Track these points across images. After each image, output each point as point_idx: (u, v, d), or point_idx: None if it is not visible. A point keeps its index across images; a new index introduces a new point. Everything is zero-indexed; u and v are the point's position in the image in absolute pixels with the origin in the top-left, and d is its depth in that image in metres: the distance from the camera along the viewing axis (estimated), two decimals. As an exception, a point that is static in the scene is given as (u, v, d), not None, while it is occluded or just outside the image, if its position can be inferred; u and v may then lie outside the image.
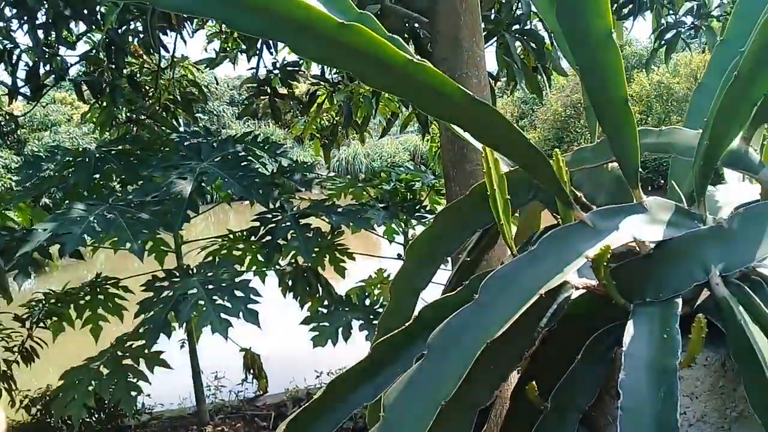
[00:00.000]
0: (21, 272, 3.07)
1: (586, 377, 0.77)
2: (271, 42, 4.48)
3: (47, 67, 4.09)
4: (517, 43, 3.44)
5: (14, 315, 3.56)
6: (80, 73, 4.43)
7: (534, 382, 0.75)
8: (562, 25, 0.71)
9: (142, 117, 4.31)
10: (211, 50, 5.00)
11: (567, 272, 0.71)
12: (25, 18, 3.60)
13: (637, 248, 0.77)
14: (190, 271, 3.27)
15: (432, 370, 0.69)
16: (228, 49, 5.02)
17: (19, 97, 4.11)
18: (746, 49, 0.69)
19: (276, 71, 4.74)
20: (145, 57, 4.75)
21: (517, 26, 3.46)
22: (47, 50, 3.88)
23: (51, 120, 15.21)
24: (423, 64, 0.64)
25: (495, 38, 3.48)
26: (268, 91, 4.69)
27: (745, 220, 0.74)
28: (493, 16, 3.53)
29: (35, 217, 3.85)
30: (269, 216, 3.51)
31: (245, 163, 3.42)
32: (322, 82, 4.59)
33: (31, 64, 3.91)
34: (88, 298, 3.80)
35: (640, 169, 0.77)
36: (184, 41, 4.91)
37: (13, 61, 3.87)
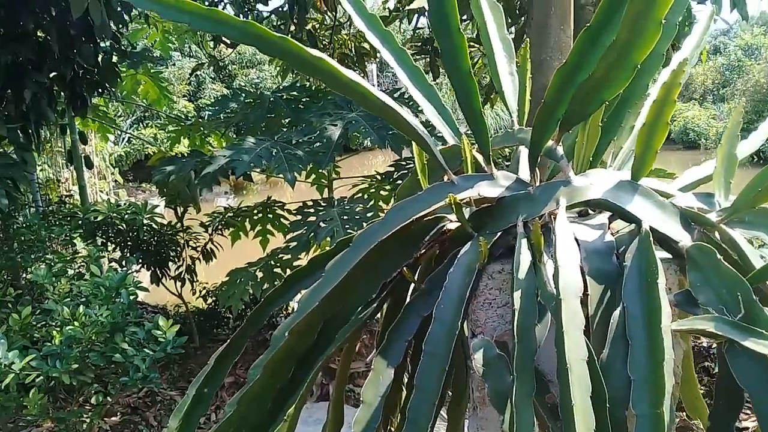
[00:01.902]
0: (205, 186, 3.98)
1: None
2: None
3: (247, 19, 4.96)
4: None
5: (200, 222, 4.53)
6: (272, 26, 5.26)
7: (413, 271, 1.26)
8: (432, 21, 1.19)
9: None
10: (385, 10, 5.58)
11: (433, 207, 1.21)
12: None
13: (488, 201, 1.24)
14: (333, 203, 3.98)
15: (342, 260, 1.23)
16: (401, 8, 5.60)
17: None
18: (549, 83, 1.13)
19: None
20: (329, 13, 5.48)
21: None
22: (245, 4, 4.73)
23: (258, 59, 16.93)
24: (289, 41, 1.15)
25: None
26: (429, 50, 5.22)
27: (543, 189, 1.18)
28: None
29: (228, 143, 4.78)
30: (403, 163, 4.10)
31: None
32: (476, 45, 5.02)
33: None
34: (260, 215, 4.69)
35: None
36: (363, 2, 5.55)
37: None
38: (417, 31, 5.40)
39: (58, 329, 2.97)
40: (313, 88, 4.44)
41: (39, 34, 4.04)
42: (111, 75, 4.30)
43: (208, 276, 4.91)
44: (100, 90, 4.35)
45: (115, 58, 4.30)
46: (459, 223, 1.26)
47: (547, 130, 1.17)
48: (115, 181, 9.02)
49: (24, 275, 3.89)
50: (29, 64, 3.83)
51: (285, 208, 4.71)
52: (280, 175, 3.65)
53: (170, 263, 4.54)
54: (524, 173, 1.33)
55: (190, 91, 13.78)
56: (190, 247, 4.60)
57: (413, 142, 1.31)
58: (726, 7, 3.87)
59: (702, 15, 1.52)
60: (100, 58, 4.20)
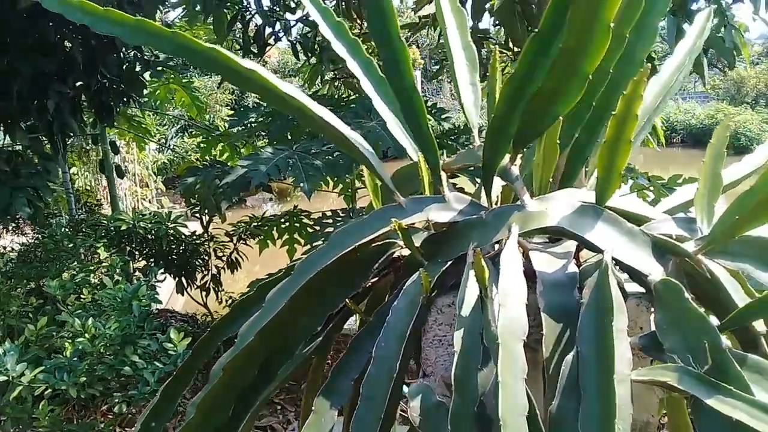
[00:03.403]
0: (225, 198, 3.95)
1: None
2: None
3: (273, 29, 4.93)
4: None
5: (225, 231, 4.52)
6: (299, 35, 5.21)
7: (358, 304, 1.15)
8: (372, 33, 1.08)
9: (345, 76, 4.99)
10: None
11: (378, 232, 1.10)
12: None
13: (440, 226, 1.12)
14: (350, 213, 3.90)
15: (282, 290, 1.13)
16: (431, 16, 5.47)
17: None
18: (497, 98, 1.00)
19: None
20: (358, 21, 5.41)
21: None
22: (271, 14, 4.70)
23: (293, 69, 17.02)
24: (219, 52, 1.06)
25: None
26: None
27: (494, 215, 1.05)
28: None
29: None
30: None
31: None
32: (505, 51, 4.85)
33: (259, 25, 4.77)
34: (287, 224, 4.66)
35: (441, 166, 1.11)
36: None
37: (246, 22, 4.76)
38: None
39: (70, 341, 2.97)
40: (336, 97, 4.37)
41: (65, 44, 4.09)
42: (136, 84, 4.32)
43: (235, 285, 4.89)
44: (125, 99, 4.38)
45: (138, 68, 4.31)
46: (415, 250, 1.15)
47: (499, 148, 1.05)
48: (158, 188, 9.17)
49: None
50: (53, 75, 3.87)
51: (311, 217, 4.67)
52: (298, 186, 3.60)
53: (196, 272, 4.54)
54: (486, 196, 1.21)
55: (233, 100, 13.94)
56: (215, 257, 4.58)
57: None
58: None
59: (698, 17, 1.36)
60: (124, 68, 4.23)
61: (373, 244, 1.15)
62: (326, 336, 1.20)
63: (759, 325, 0.99)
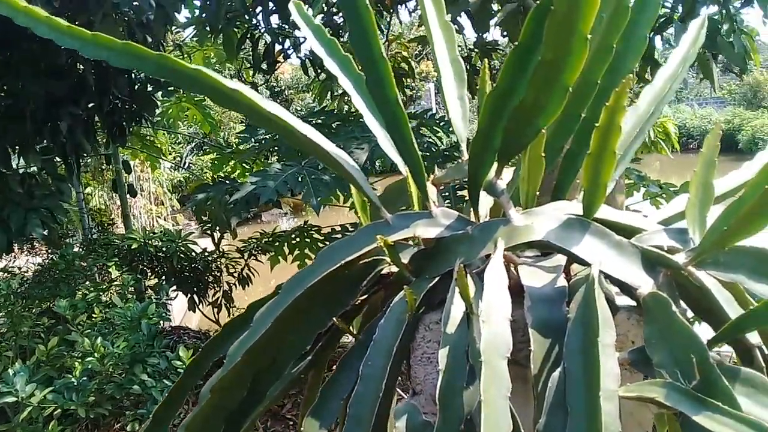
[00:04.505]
0: (235, 214, 3.97)
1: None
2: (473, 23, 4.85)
3: (283, 46, 4.98)
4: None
5: (236, 248, 4.53)
6: (309, 51, 5.25)
7: (351, 320, 1.14)
8: (354, 49, 1.08)
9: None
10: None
11: (365, 249, 1.09)
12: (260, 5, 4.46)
13: (429, 242, 1.11)
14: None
15: (269, 309, 1.12)
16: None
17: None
18: (481, 110, 0.99)
19: (476, 50, 5.11)
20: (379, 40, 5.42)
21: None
22: (280, 32, 4.74)
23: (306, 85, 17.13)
24: (203, 73, 1.06)
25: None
26: (467, 68, 5.09)
27: (480, 230, 1.04)
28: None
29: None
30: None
31: (416, 138, 3.91)
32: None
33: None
34: (298, 239, 4.66)
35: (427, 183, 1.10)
36: (400, 21, 5.49)
37: (255, 40, 4.81)
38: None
39: (80, 360, 2.98)
40: (344, 112, 4.39)
41: (77, 66, 4.15)
42: (147, 104, 4.37)
43: (248, 302, 4.87)
44: (137, 119, 4.43)
45: (150, 88, 4.36)
46: (404, 266, 1.13)
47: (484, 162, 1.04)
48: (173, 206, 9.25)
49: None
50: (66, 97, 3.93)
51: (321, 232, 4.67)
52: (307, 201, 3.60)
53: (207, 289, 4.56)
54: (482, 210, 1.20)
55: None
56: (227, 273, 4.60)
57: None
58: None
59: (692, 25, 1.34)
60: (135, 88, 4.27)
61: (361, 261, 1.14)
62: (316, 354, 1.19)
63: (753, 336, 0.96)
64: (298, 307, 1.10)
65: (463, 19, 4.60)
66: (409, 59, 5.58)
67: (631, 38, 1.16)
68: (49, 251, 4.76)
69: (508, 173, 1.18)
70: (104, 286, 3.76)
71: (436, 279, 1.08)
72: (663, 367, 0.87)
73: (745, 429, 0.76)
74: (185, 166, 10.03)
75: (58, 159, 4.16)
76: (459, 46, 5.48)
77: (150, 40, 3.99)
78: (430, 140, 4.15)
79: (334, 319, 1.11)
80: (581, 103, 1.11)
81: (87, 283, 3.90)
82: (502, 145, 1.00)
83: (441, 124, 4.13)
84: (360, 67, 1.13)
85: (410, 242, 1.18)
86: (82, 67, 4.04)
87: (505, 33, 4.63)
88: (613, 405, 0.85)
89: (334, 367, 1.13)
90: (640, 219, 1.13)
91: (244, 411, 1.16)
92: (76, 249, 4.43)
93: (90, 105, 4.18)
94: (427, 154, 3.89)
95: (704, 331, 0.99)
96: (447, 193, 3.67)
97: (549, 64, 0.88)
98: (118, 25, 3.67)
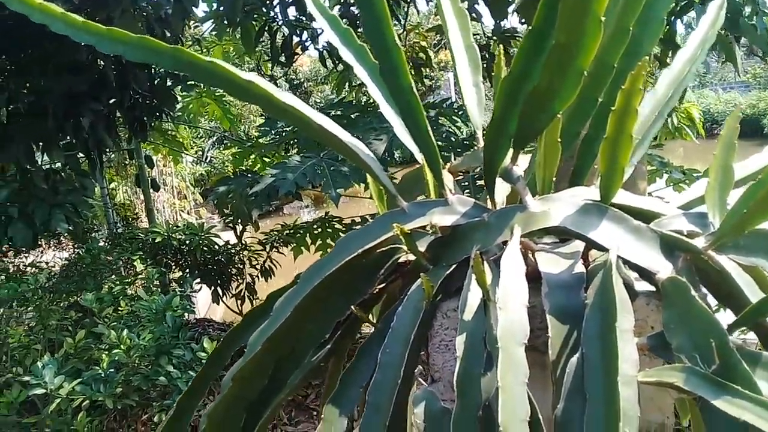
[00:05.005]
0: (256, 206, 3.99)
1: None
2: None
3: (300, 38, 4.98)
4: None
5: (258, 240, 4.57)
6: (327, 43, 5.24)
7: (370, 309, 1.15)
8: (368, 37, 1.08)
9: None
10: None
11: (382, 238, 1.09)
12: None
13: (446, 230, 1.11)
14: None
15: (288, 298, 1.13)
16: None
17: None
18: (496, 95, 0.99)
19: (494, 37, 5.07)
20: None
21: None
22: (296, 24, 4.74)
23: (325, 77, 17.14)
24: (218, 65, 1.06)
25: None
26: (486, 56, 5.05)
27: (497, 216, 1.03)
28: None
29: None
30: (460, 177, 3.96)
31: (434, 127, 3.90)
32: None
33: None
34: (319, 230, 4.69)
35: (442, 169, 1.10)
36: (417, 11, 5.46)
37: (273, 33, 4.82)
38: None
39: (107, 352, 3.03)
40: (362, 103, 4.39)
41: (97, 62, 4.19)
42: (167, 99, 4.40)
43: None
44: (158, 114, 4.47)
45: (169, 83, 4.40)
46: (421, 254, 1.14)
47: (499, 148, 1.03)
48: (196, 200, 9.34)
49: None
50: (87, 93, 3.98)
51: (342, 222, 4.69)
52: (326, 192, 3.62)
53: (231, 281, 4.60)
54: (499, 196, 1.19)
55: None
56: (249, 265, 4.64)
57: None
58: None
59: (711, 6, 1.32)
60: (155, 83, 4.31)
61: (378, 250, 1.14)
62: (336, 343, 1.20)
63: (776, 321, 0.95)
64: (317, 296, 1.11)
65: (481, 7, 4.57)
66: (428, 49, 5.56)
67: (647, 20, 1.14)
68: (76, 246, 4.83)
69: (524, 160, 1.18)
70: (129, 280, 3.82)
71: (453, 267, 1.08)
72: (682, 351, 0.87)
73: (764, 413, 0.75)
74: (207, 160, 10.10)
75: (81, 155, 4.22)
76: (477, 34, 5.45)
77: (168, 35, 4.02)
78: (450, 130, 4.13)
79: (352, 307, 1.12)
80: (598, 87, 1.10)
81: (113, 276, 3.96)
82: (518, 130, 1.00)
83: (460, 113, 4.11)
84: (374, 55, 1.13)
85: (427, 230, 1.17)
86: (102, 63, 4.09)
87: (523, 20, 4.59)
88: (632, 390, 0.85)
89: (354, 355, 1.14)
90: (659, 204, 1.11)
91: (264, 400, 1.17)
92: (101, 243, 4.49)
93: (111, 101, 4.23)
94: (446, 143, 3.87)
95: (728, 318, 0.98)
96: (467, 183, 3.67)
97: (563, 48, 0.87)
98: (136, 21, 3.70)
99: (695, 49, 1.27)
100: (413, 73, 5.46)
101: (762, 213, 0.89)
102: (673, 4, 3.79)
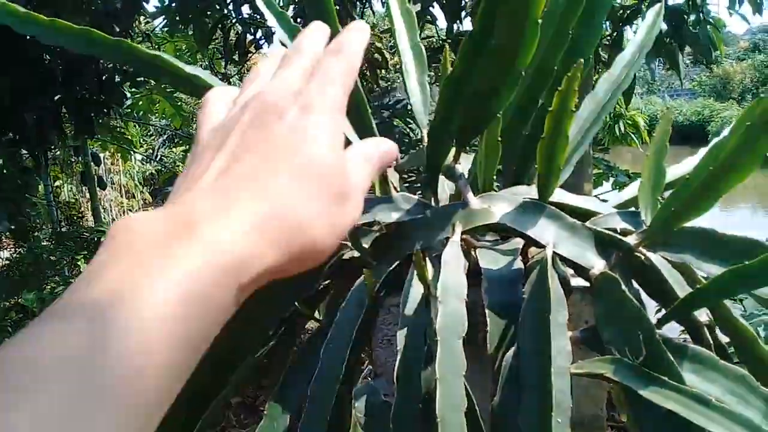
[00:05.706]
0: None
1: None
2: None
3: (255, 36, 4.95)
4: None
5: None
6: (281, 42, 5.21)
7: (315, 306, 1.15)
8: None
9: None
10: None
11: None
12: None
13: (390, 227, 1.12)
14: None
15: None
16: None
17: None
18: (439, 94, 1.01)
19: (449, 40, 5.13)
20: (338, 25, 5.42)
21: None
22: (250, 22, 4.71)
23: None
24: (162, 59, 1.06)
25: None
26: (440, 58, 5.10)
27: (438, 213, 1.05)
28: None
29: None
30: (405, 176, 4.00)
31: (387, 128, 3.93)
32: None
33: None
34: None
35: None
36: (373, 12, 5.48)
37: (226, 31, 4.78)
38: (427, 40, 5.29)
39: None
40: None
41: (44, 56, 4.09)
42: (115, 95, 4.32)
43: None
44: (105, 110, 4.38)
45: (117, 78, 4.31)
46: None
47: (441, 146, 1.05)
48: (145, 199, 9.17)
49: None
50: (33, 87, 3.87)
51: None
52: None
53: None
54: (443, 194, 1.21)
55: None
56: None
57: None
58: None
59: (650, 12, 1.37)
60: (103, 79, 4.23)
61: (323, 246, 1.15)
62: (280, 339, 1.20)
63: (703, 315, 0.99)
64: (259, 292, 1.11)
65: (436, 10, 4.62)
66: (383, 50, 5.58)
67: (586, 24, 1.18)
68: (17, 245, 4.69)
69: (467, 159, 1.20)
70: (73, 280, 3.73)
71: (397, 263, 1.09)
72: (612, 344, 0.90)
73: (688, 401, 0.79)
74: (157, 159, 9.93)
75: (24, 151, 4.10)
76: (431, 36, 5.50)
77: (118, 30, 3.94)
78: (403, 131, 4.16)
79: (296, 303, 1.12)
80: (539, 89, 1.13)
81: (56, 277, 3.86)
82: (459, 129, 1.02)
83: (413, 114, 4.14)
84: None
85: (374, 227, 1.19)
86: (48, 58, 3.99)
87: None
88: (565, 381, 0.87)
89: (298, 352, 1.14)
90: (595, 203, 1.15)
91: (205, 398, 1.16)
92: (44, 243, 4.37)
93: (57, 96, 4.13)
94: (399, 144, 3.91)
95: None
96: (419, 185, 3.70)
97: (501, 49, 0.89)
98: (84, 14, 3.62)
99: (633, 54, 1.31)
100: (368, 74, 5.48)
101: (689, 211, 0.93)
102: (621, 11, 3.91)
